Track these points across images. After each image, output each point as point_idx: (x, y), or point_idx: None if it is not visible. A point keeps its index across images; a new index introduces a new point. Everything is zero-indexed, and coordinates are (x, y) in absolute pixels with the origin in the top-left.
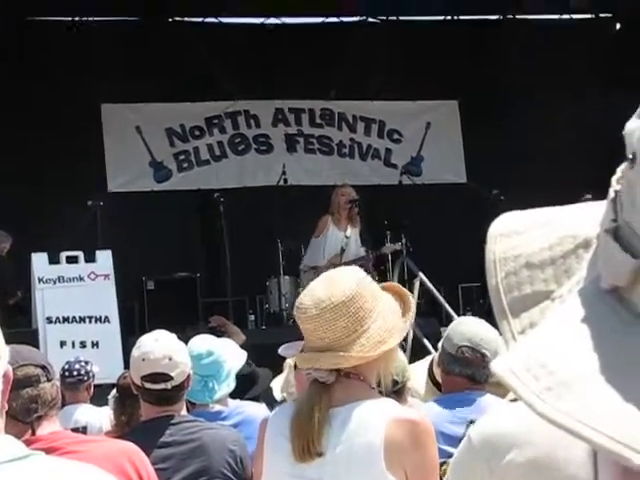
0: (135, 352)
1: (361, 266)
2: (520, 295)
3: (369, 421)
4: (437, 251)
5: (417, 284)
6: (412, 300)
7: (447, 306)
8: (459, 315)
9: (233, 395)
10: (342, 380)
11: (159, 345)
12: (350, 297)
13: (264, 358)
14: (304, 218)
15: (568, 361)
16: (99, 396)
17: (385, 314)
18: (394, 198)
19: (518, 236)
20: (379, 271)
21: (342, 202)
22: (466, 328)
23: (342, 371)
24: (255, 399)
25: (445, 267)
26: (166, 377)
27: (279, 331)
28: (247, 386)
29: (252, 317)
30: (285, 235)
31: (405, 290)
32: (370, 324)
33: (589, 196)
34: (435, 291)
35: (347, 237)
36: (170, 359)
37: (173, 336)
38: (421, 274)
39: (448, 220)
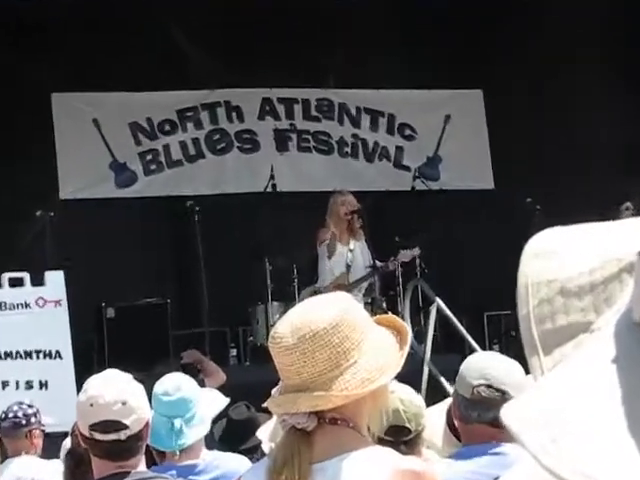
0: (82, 396)
1: (370, 287)
2: (553, 327)
3: (363, 476)
4: (458, 272)
5: (433, 312)
6: (409, 332)
7: (470, 339)
8: (485, 350)
9: (229, 444)
10: (326, 427)
11: (110, 387)
12: (334, 324)
13: (249, 401)
14: (297, 232)
15: (587, 410)
16: (49, 447)
17: (376, 347)
18: (406, 207)
19: (555, 257)
20: (388, 297)
21: (341, 213)
22: (481, 363)
23: (325, 415)
24: (252, 450)
25: (468, 292)
26: (119, 425)
27: (266, 368)
28: (245, 435)
29: (234, 352)
30: (274, 252)
31: (401, 321)
32: (357, 358)
33: (629, 204)
34: (455, 321)
35: (351, 251)
36: (124, 403)
37: (127, 376)
38: (438, 300)
39: (472, 235)
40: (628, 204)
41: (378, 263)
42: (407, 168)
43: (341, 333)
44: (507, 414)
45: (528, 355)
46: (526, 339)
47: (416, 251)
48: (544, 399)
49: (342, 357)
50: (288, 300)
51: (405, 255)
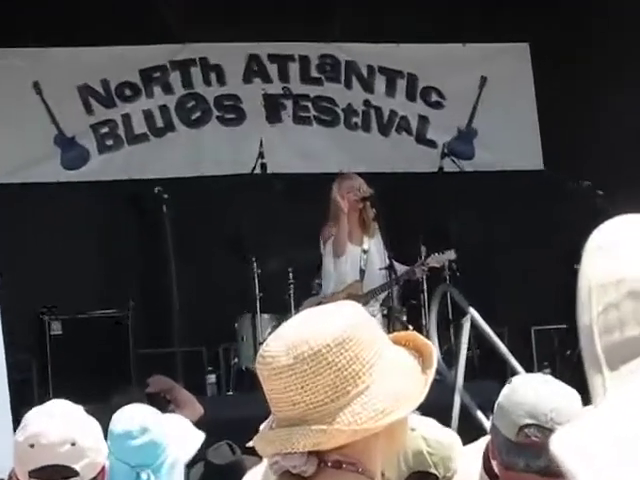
0: (19, 435)
1: (387, 296)
2: (621, 338)
3: None
4: (498, 276)
5: (466, 326)
6: (434, 352)
7: (513, 360)
8: (533, 374)
9: None
10: (328, 472)
11: (56, 423)
12: (340, 341)
13: (232, 440)
14: (294, 226)
15: None
16: None
17: (393, 371)
18: (431, 194)
19: (623, 253)
20: (408, 307)
21: (349, 201)
22: (529, 395)
23: (328, 457)
24: None
25: (511, 300)
26: (67, 472)
27: (254, 399)
28: None
29: (213, 377)
30: (264, 252)
31: (424, 339)
32: (369, 384)
33: None
34: (494, 337)
35: (364, 251)
36: (73, 444)
37: (77, 409)
38: (472, 310)
39: (516, 228)
40: None
41: (398, 266)
42: (433, 144)
43: (349, 352)
44: (561, 445)
45: (588, 372)
46: (587, 353)
47: (451, 255)
48: (607, 429)
49: (349, 382)
50: (282, 312)
51: (437, 260)
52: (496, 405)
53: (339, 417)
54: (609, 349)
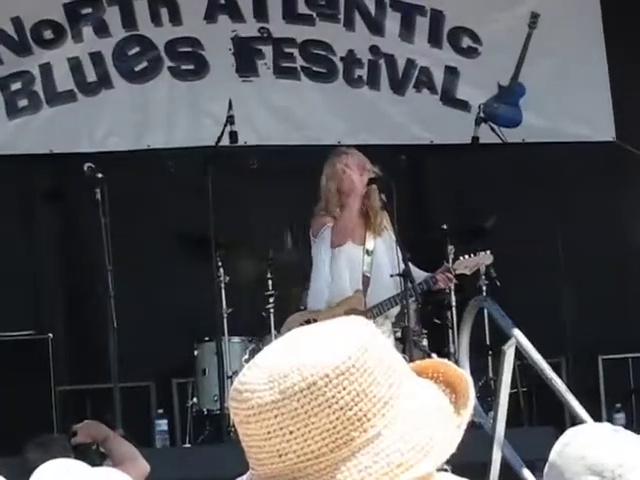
0: None
1: (402, 313)
2: None
3: None
4: (553, 286)
5: (510, 354)
6: (470, 386)
7: (573, 401)
8: (601, 421)
9: None
10: None
11: None
12: (342, 371)
13: None
14: (274, 216)
15: None
16: None
17: (414, 411)
18: (463, 174)
19: None
20: (432, 328)
21: (346, 185)
22: (588, 446)
23: None
24: None
25: (570, 320)
26: None
27: (219, 453)
28: None
29: (163, 424)
30: (233, 251)
31: (457, 369)
32: (381, 429)
33: None
34: (548, 370)
35: (368, 252)
36: None
37: None
38: (518, 333)
39: (578, 219)
40: None
41: (416, 272)
42: (465, 105)
43: (354, 386)
44: None
45: None
46: None
47: (488, 258)
48: None
49: (355, 426)
50: (259, 335)
51: (468, 264)
52: (550, 456)
53: (341, 473)
54: None
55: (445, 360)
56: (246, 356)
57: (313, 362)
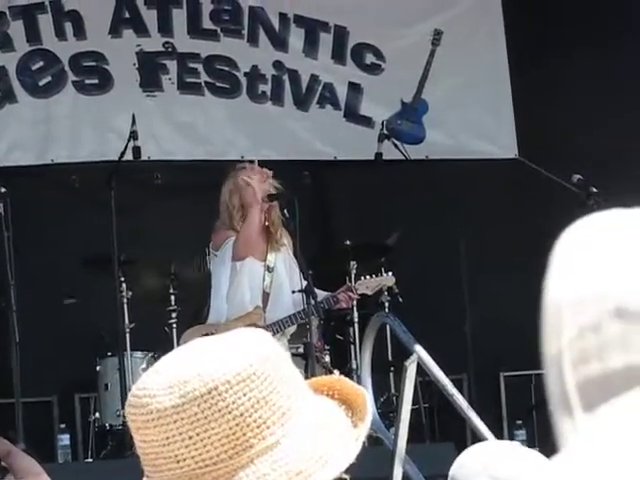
0: None
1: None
2: (601, 371)
3: None
4: (455, 301)
5: (411, 370)
6: (367, 401)
7: (474, 418)
8: (502, 439)
9: None
10: None
11: None
12: (244, 378)
13: None
14: (176, 230)
15: None
16: None
17: (312, 423)
18: (365, 190)
19: (607, 258)
20: (334, 344)
21: (249, 196)
22: (489, 462)
23: None
24: None
25: (473, 336)
26: None
27: (121, 467)
28: None
29: (65, 439)
30: (135, 266)
31: (354, 385)
32: (280, 437)
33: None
34: (450, 386)
35: (269, 269)
36: None
37: None
38: (420, 349)
39: (479, 236)
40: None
41: (318, 292)
42: (368, 121)
43: (254, 393)
44: None
45: (555, 415)
46: (554, 391)
47: (389, 280)
48: None
49: (255, 433)
50: (161, 350)
51: (369, 285)
52: (450, 475)
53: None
54: (585, 385)
55: (341, 377)
56: (144, 365)
57: (214, 368)
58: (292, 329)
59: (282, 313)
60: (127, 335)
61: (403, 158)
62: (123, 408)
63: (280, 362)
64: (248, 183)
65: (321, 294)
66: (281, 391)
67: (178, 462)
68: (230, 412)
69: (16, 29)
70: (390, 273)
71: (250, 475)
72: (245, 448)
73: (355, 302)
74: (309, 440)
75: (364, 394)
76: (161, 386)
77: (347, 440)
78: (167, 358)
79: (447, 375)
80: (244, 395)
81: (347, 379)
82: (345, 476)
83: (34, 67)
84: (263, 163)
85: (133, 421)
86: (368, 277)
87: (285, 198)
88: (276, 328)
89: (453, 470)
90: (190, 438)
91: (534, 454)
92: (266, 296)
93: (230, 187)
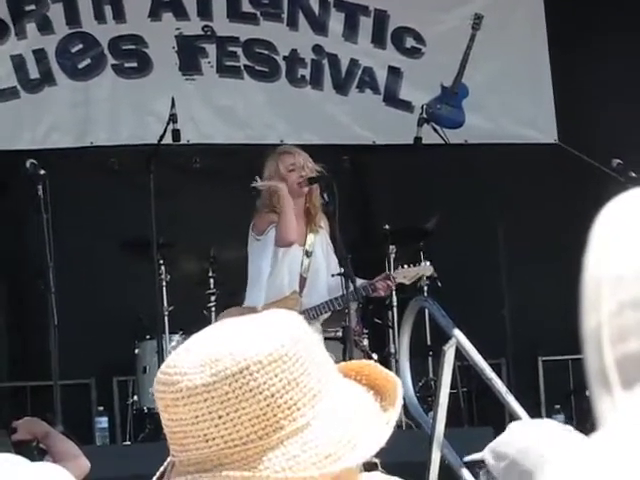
0: None
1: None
2: None
3: None
4: (494, 288)
5: (450, 354)
6: (398, 387)
7: (512, 402)
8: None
9: None
10: None
11: None
12: (276, 358)
13: None
14: (215, 213)
15: None
16: None
17: (343, 407)
18: (405, 175)
19: None
20: (372, 328)
21: (291, 184)
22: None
23: None
24: None
25: (511, 321)
26: None
27: (159, 450)
28: None
29: (104, 421)
30: (173, 249)
31: (383, 371)
32: (310, 419)
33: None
34: (488, 370)
35: (308, 253)
36: None
37: None
38: (459, 334)
39: (519, 222)
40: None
41: (358, 281)
42: (408, 105)
43: (286, 374)
44: None
45: (594, 392)
46: (593, 367)
47: (427, 269)
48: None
49: (285, 415)
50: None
51: (407, 274)
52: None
53: (269, 460)
54: (623, 362)
55: (370, 362)
56: (173, 343)
57: (246, 347)
58: (326, 315)
59: (318, 298)
60: (166, 318)
61: (442, 142)
62: None
63: (312, 345)
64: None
65: (359, 282)
66: (312, 373)
67: (207, 441)
68: (261, 392)
69: (56, 12)
70: (428, 263)
71: (279, 456)
72: (275, 429)
73: (393, 290)
74: (339, 423)
75: (394, 379)
76: (192, 364)
77: (377, 424)
78: (198, 336)
79: (485, 359)
80: (275, 376)
81: (377, 364)
82: (375, 460)
83: (73, 50)
84: (302, 147)
85: (162, 399)
86: (406, 266)
87: (324, 182)
88: (312, 314)
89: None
90: (220, 417)
91: (571, 433)
92: (303, 280)
93: (270, 171)
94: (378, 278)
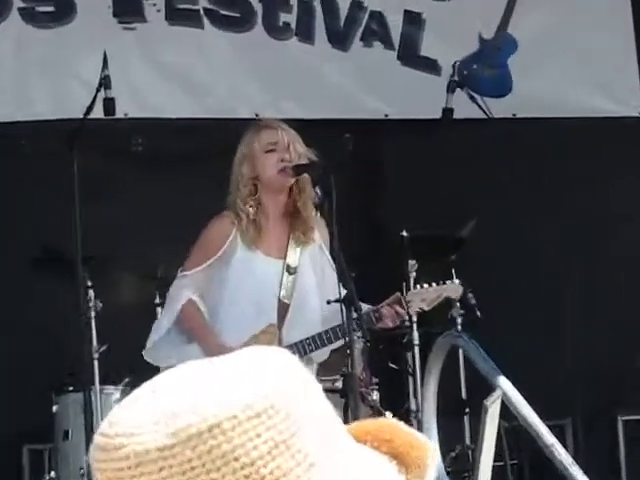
0: None
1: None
2: None
3: None
4: (555, 317)
5: (493, 412)
6: (429, 454)
7: (580, 478)
8: None
9: None
10: None
11: None
12: (257, 412)
13: None
14: (167, 215)
15: None
16: None
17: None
18: (430, 161)
19: None
20: (385, 373)
21: (267, 171)
22: None
23: None
24: None
25: (578, 366)
26: None
27: None
28: None
29: None
30: (109, 266)
31: (408, 432)
32: None
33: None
34: (548, 436)
35: (290, 269)
36: None
37: None
38: (506, 384)
39: (588, 222)
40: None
41: (364, 307)
42: (433, 65)
43: (272, 434)
44: None
45: None
46: None
47: (453, 289)
48: None
49: None
50: (142, 381)
51: (427, 295)
52: None
53: None
54: None
55: (392, 420)
56: (116, 396)
57: (216, 398)
58: (323, 355)
59: (307, 331)
60: (95, 362)
61: (482, 116)
62: (88, 465)
63: (308, 395)
64: (267, 152)
65: (364, 308)
66: (308, 434)
67: None
68: (237, 459)
69: None
70: (457, 281)
71: None
72: None
73: (407, 320)
74: None
75: (425, 444)
76: (142, 421)
77: None
78: (150, 384)
79: (544, 419)
80: (257, 436)
81: (401, 423)
82: None
83: None
84: (285, 122)
85: (102, 470)
86: (425, 285)
87: (318, 171)
88: (298, 351)
89: None
90: None
91: None
92: (284, 308)
93: (243, 153)
94: (385, 302)
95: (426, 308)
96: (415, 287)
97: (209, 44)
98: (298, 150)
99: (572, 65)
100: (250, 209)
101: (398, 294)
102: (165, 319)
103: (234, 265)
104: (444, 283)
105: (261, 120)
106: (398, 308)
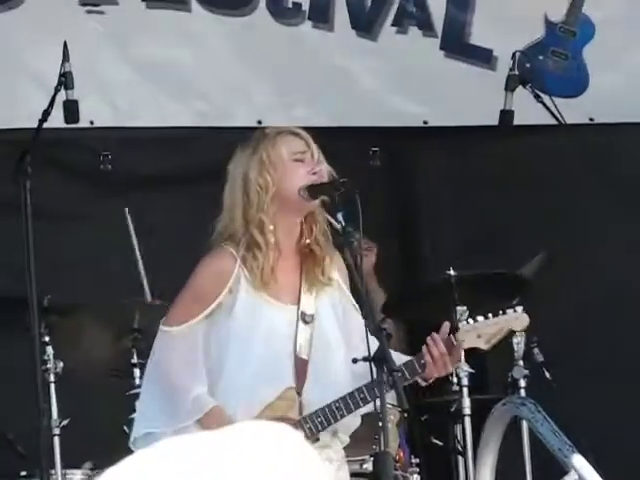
0: None
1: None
2: None
3: None
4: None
5: None
6: None
7: None
8: None
9: None
10: None
11: None
12: None
13: None
14: (145, 249)
15: None
16: None
17: None
18: (483, 178)
19: None
20: (429, 452)
21: (296, 183)
22: None
23: None
24: None
25: None
26: None
27: None
28: None
29: None
30: (71, 317)
31: None
32: None
33: None
34: None
35: (307, 319)
36: None
37: None
38: (581, 463)
39: None
40: None
41: (400, 358)
42: (486, 56)
43: None
44: None
45: None
46: None
47: (517, 320)
48: None
49: None
50: (114, 462)
51: (483, 329)
52: None
53: None
54: None
55: None
56: None
57: None
58: (354, 423)
59: (334, 393)
60: (56, 439)
61: (551, 122)
62: None
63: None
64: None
65: (400, 359)
66: None
67: None
68: None
69: None
70: (519, 309)
71: None
72: None
73: (465, 374)
74: None
75: None
76: None
77: None
78: (117, 473)
79: None
80: None
81: None
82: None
83: None
84: (300, 129)
85: None
86: (480, 318)
87: (338, 192)
88: (319, 422)
89: None
90: None
91: None
92: (302, 365)
93: (260, 158)
94: (431, 348)
95: (484, 347)
96: (467, 322)
97: (198, 32)
98: (326, 167)
99: None
100: (271, 236)
101: (446, 328)
102: (157, 404)
103: (237, 315)
104: (504, 313)
105: (267, 128)
106: (447, 347)
